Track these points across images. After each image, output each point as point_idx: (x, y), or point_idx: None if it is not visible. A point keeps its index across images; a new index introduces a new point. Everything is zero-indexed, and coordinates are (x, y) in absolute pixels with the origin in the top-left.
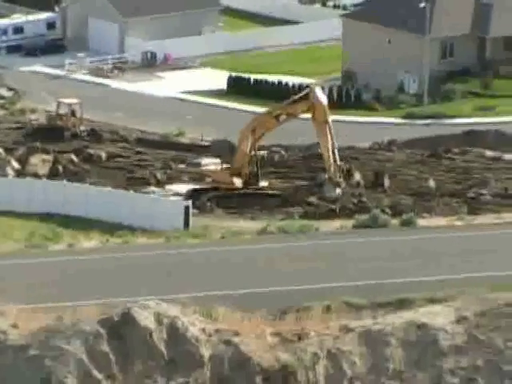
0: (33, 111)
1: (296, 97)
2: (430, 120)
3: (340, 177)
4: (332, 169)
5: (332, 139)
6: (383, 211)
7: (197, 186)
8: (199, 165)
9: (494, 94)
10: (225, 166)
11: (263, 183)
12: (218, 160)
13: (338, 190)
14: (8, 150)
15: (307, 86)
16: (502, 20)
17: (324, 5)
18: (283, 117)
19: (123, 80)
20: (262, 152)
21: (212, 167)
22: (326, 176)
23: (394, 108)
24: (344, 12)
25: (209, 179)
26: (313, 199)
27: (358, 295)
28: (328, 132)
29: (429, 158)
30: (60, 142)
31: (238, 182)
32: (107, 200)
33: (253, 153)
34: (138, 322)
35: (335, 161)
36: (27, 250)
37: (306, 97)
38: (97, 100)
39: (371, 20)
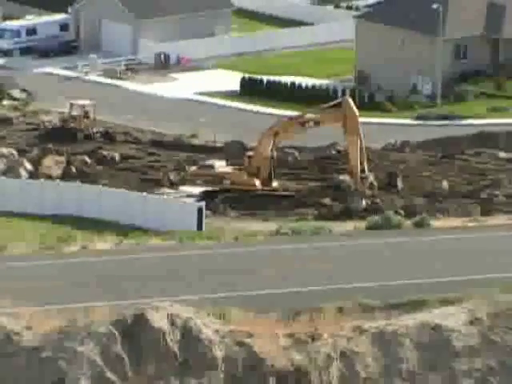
0: (46, 113)
1: (326, 105)
2: (443, 121)
3: (367, 188)
4: (359, 180)
5: (362, 150)
6: (396, 212)
7: (209, 188)
8: (212, 167)
9: (507, 95)
10: (237, 167)
11: (275, 184)
12: (223, 162)
13: (364, 202)
14: (21, 152)
15: (342, 96)
16: None
17: (337, 6)
18: (310, 124)
19: (136, 81)
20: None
21: (227, 169)
22: (353, 187)
23: (407, 109)
24: (357, 13)
25: (227, 181)
26: (326, 200)
27: (371, 296)
28: (359, 143)
29: (442, 159)
30: (73, 144)
31: (257, 182)
32: (120, 201)
33: (270, 154)
34: (151, 323)
35: (363, 172)
36: (41, 251)
37: (337, 107)
38: (110, 101)
39: (384, 21)
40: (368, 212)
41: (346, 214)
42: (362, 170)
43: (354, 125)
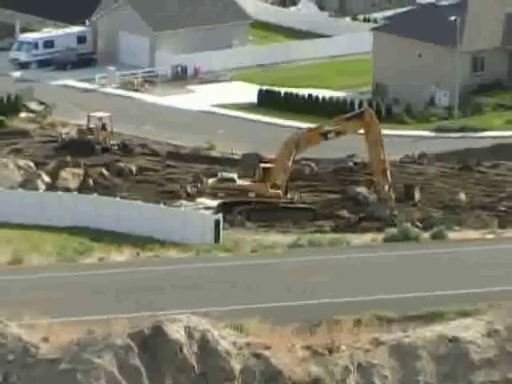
0: (63, 125)
1: (347, 115)
2: (461, 133)
3: (391, 197)
4: (383, 188)
5: (384, 159)
6: (414, 224)
7: (227, 200)
8: (233, 180)
9: None
10: (249, 179)
11: (289, 195)
12: (234, 174)
13: (388, 210)
14: (39, 164)
15: (360, 108)
16: None
17: (354, 18)
18: (332, 135)
19: (154, 93)
20: None
21: (243, 182)
22: (377, 196)
23: (425, 121)
24: (374, 25)
25: (252, 193)
26: (344, 213)
27: (388, 308)
28: (381, 151)
29: (459, 171)
30: (90, 156)
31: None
32: (138, 214)
33: (290, 165)
34: (168, 335)
35: (387, 180)
36: (58, 263)
37: (358, 116)
38: (127, 114)
39: (402, 33)
40: (385, 224)
41: (371, 221)
42: (386, 179)
43: (377, 133)
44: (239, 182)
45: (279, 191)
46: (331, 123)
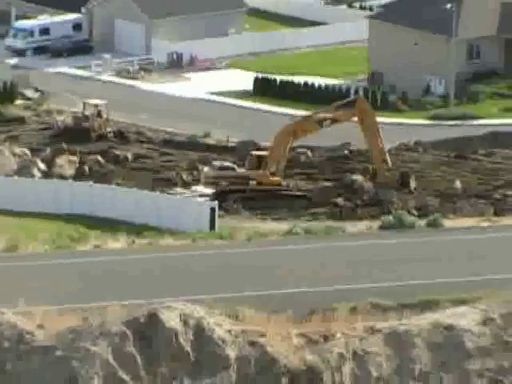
0: (59, 112)
1: (340, 103)
2: (457, 121)
3: (392, 180)
4: (385, 172)
5: (382, 144)
6: (409, 212)
7: (219, 188)
8: (233, 169)
9: None
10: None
11: (285, 183)
12: (229, 163)
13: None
14: (34, 151)
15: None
16: None
17: (350, 6)
18: (327, 122)
19: (149, 81)
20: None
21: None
22: (378, 181)
23: (421, 109)
24: (370, 13)
25: (253, 181)
26: (339, 200)
27: (384, 296)
28: (378, 137)
29: (455, 159)
30: (86, 143)
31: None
32: (133, 201)
33: (287, 153)
34: (164, 323)
35: (387, 164)
36: (54, 250)
37: (352, 103)
38: (123, 101)
39: (397, 21)
40: (383, 211)
41: (373, 206)
42: (386, 163)
43: (372, 118)
44: (239, 170)
45: (280, 179)
46: (326, 111)
